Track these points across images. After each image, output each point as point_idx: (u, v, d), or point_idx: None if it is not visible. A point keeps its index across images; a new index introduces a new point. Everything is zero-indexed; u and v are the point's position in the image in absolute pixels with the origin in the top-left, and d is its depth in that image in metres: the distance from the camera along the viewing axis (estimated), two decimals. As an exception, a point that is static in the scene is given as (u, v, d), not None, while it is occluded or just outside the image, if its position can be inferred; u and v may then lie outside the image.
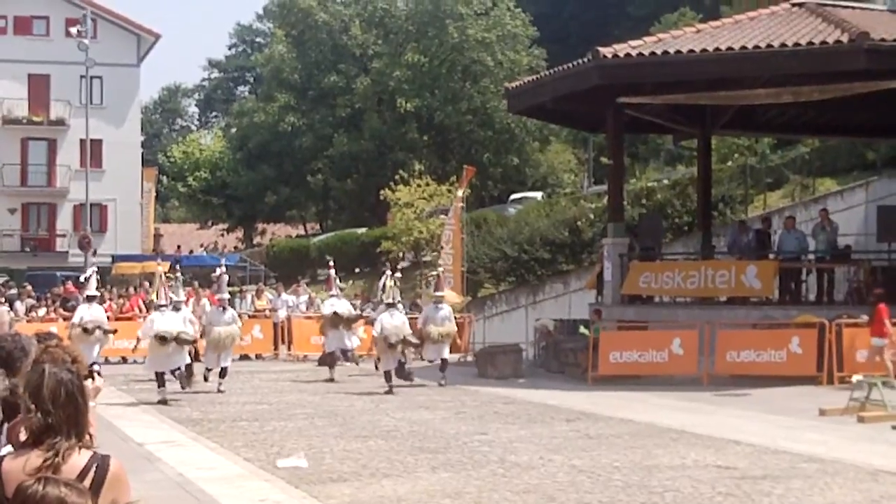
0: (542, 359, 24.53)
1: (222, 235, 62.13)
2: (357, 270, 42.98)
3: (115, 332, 21.27)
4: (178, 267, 24.71)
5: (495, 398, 18.16)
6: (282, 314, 28.17)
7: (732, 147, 36.59)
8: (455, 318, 22.54)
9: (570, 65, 22.38)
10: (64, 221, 52.66)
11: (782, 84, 20.87)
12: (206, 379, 19.65)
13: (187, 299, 22.31)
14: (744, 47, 19.86)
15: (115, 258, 45.24)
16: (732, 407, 16.65)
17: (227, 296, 21.24)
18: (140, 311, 27.06)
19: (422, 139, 52.86)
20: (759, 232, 24.48)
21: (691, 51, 20.36)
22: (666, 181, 36.30)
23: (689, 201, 31.84)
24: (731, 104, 23.53)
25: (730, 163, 35.39)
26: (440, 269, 24.33)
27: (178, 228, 70.94)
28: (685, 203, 32.44)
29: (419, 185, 38.93)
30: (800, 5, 23.12)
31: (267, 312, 28.81)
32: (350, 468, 11.44)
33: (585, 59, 21.44)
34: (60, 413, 3.52)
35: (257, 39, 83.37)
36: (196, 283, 29.41)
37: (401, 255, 36.38)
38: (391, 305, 20.05)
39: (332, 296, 23.05)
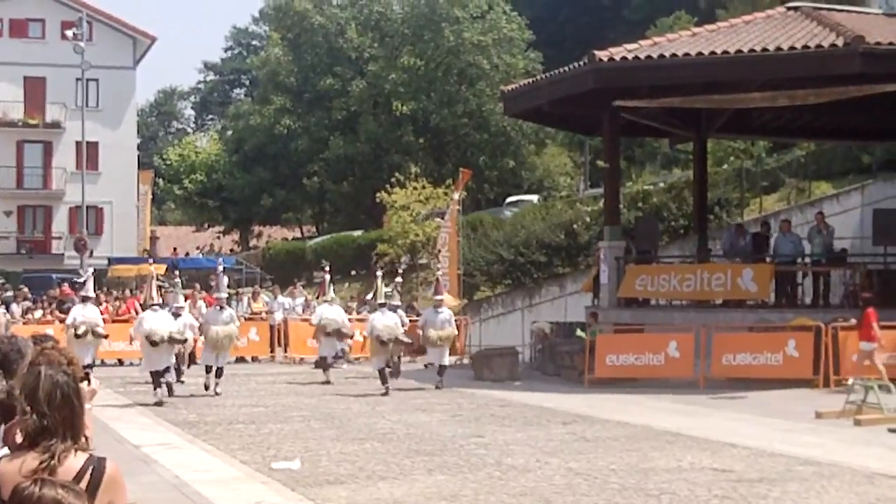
0: (539, 361, 24.54)
1: (218, 238, 62.05)
2: (353, 273, 42.99)
3: (106, 336, 21.22)
4: (176, 272, 24.67)
5: (492, 401, 18.15)
6: (278, 317, 28.16)
7: (728, 150, 36.61)
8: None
9: (566, 68, 22.39)
10: (60, 224, 52.65)
11: (778, 88, 20.91)
12: (206, 388, 19.56)
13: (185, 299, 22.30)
14: (739, 51, 19.89)
15: (111, 261, 45.19)
16: (729, 410, 16.67)
17: (225, 294, 21.21)
18: (136, 313, 27.00)
19: (418, 142, 52.87)
20: (756, 235, 24.50)
21: (687, 54, 20.37)
22: (662, 184, 36.32)
23: (686, 204, 31.85)
24: (726, 108, 23.55)
25: (725, 166, 35.41)
26: (439, 272, 24.37)
27: (174, 231, 70.87)
28: (681, 206, 32.45)
29: (415, 188, 38.93)
30: (795, 9, 23.17)
31: (263, 315, 28.79)
32: (346, 471, 11.43)
33: (581, 63, 21.45)
34: (56, 415, 3.51)
35: (253, 42, 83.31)
36: (198, 286, 29.37)
37: (400, 258, 36.36)
38: (383, 305, 20.43)
39: (324, 301, 23.06)
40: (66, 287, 30.97)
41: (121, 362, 25.38)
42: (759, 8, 29.59)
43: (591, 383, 20.20)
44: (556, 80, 22.74)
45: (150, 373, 18.27)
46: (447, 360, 21.25)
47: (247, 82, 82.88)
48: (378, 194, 41.00)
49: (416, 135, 52.76)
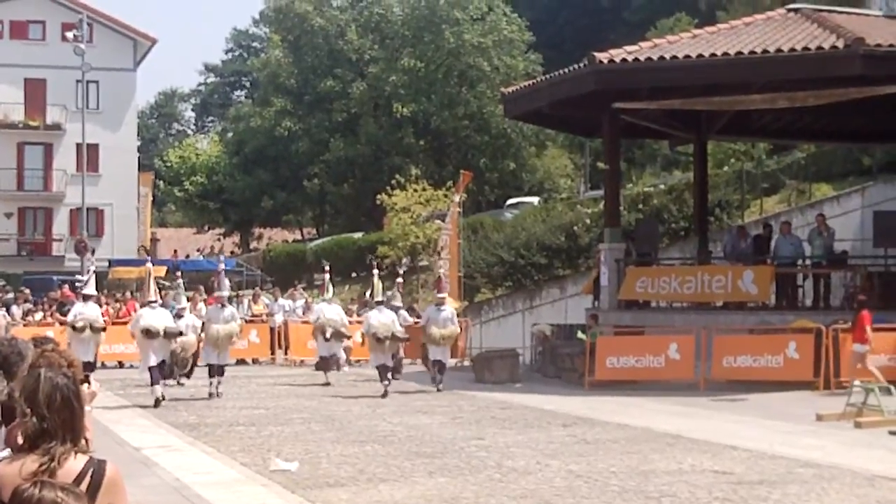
0: (539, 364, 24.53)
1: (219, 240, 62.07)
2: (354, 275, 42.97)
3: (104, 329, 21.20)
4: (178, 274, 24.66)
5: (492, 403, 18.15)
6: (278, 319, 28.15)
7: (728, 152, 36.61)
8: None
9: (567, 70, 22.40)
10: (60, 226, 52.66)
11: (778, 89, 20.90)
12: (210, 396, 19.46)
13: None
14: (739, 53, 19.89)
15: (112, 262, 45.20)
16: (729, 412, 16.66)
17: (226, 293, 21.22)
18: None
19: (418, 144, 52.87)
20: (757, 237, 24.49)
21: (687, 56, 20.37)
22: (662, 186, 36.32)
23: (686, 206, 31.86)
24: (726, 109, 23.54)
25: (726, 168, 35.41)
26: (441, 270, 24.41)
27: (174, 233, 70.89)
28: (681, 208, 32.47)
29: (416, 190, 38.95)
30: (795, 11, 23.18)
31: (263, 317, 28.78)
32: (347, 473, 11.42)
33: (582, 65, 21.46)
34: (56, 417, 3.51)
35: (254, 44, 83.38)
36: (201, 288, 29.36)
37: (401, 260, 36.38)
38: (381, 303, 20.64)
39: (323, 300, 23.12)
40: (66, 289, 30.96)
41: (121, 364, 25.38)
42: (760, 10, 29.61)
43: (592, 385, 20.19)
44: (557, 81, 22.74)
45: (148, 369, 18.29)
46: (448, 358, 21.26)
47: (247, 84, 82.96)
48: (378, 196, 41.03)
49: (417, 137, 52.77)
